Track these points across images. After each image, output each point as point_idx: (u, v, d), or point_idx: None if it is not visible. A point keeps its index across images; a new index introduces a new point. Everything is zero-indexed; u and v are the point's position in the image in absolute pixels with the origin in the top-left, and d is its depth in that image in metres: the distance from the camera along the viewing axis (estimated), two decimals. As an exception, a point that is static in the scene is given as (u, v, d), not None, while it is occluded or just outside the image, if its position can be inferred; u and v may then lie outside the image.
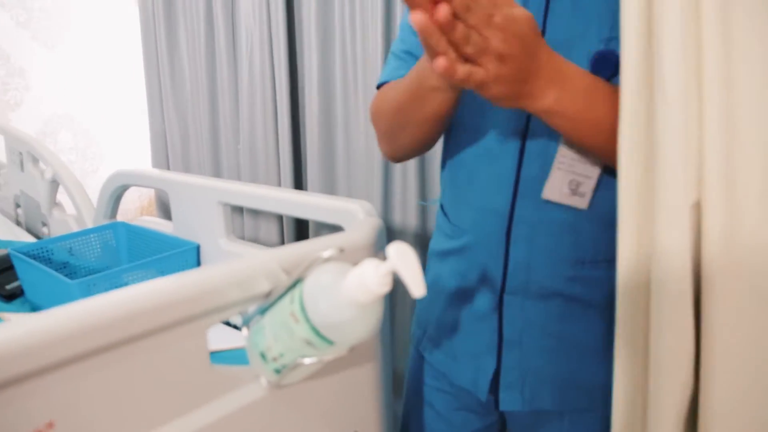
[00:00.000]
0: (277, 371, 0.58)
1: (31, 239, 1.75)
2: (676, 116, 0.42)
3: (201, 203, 1.13)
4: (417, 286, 0.49)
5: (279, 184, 1.80)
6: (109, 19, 2.57)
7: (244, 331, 0.61)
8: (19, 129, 1.81)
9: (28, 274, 1.20)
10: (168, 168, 2.18)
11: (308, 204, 0.94)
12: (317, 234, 1.71)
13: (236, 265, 0.58)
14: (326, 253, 0.54)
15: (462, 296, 0.81)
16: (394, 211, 1.54)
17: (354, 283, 0.51)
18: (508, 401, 0.78)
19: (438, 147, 0.86)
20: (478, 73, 0.54)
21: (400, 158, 0.86)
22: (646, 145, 0.47)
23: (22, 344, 0.45)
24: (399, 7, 1.41)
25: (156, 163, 2.19)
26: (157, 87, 2.15)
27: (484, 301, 0.78)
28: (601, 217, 0.71)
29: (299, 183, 1.79)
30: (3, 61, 2.28)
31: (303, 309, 0.52)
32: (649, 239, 0.46)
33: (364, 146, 1.57)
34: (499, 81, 0.55)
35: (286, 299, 0.55)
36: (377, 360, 0.71)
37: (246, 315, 0.62)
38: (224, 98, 1.92)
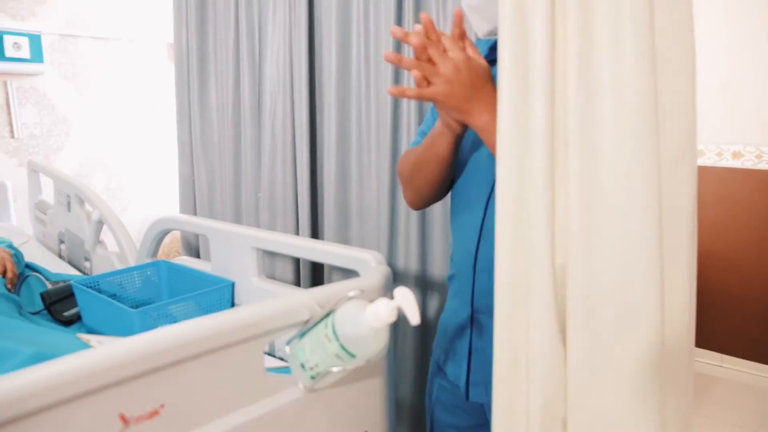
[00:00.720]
0: (312, 377, 0.80)
1: (74, 272, 1.98)
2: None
3: (237, 247, 1.37)
4: (414, 318, 0.72)
5: (296, 231, 2.04)
6: (146, 75, 2.87)
7: (287, 348, 0.84)
8: (68, 174, 2.05)
9: (88, 303, 1.42)
10: (195, 212, 2.43)
11: (330, 252, 1.17)
12: (330, 274, 1.94)
13: (284, 300, 0.81)
14: (351, 293, 0.77)
15: (455, 313, 1.04)
16: (398, 255, 1.77)
17: (371, 315, 0.74)
18: (475, 394, 1.01)
19: (437, 210, 1.10)
20: (427, 91, 0.80)
21: (419, 204, 1.10)
22: (518, 203, 0.65)
23: (147, 350, 0.68)
24: (408, 83, 1.67)
25: (183, 207, 2.44)
26: (187, 138, 2.41)
27: (463, 317, 1.02)
28: None
29: (315, 230, 2.02)
30: (49, 110, 2.56)
31: (334, 332, 0.75)
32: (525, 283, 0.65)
33: (375, 199, 1.81)
34: (447, 96, 0.80)
35: (321, 325, 0.78)
36: (384, 375, 0.94)
37: (289, 337, 0.85)
38: (247, 151, 2.17)
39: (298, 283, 2.06)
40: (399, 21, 1.69)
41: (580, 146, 0.60)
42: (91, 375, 0.63)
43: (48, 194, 2.34)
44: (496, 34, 0.96)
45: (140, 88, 2.85)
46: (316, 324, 0.80)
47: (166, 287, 1.60)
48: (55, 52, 2.52)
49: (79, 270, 2.00)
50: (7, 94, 2.41)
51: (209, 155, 2.37)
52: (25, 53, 2.37)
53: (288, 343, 0.84)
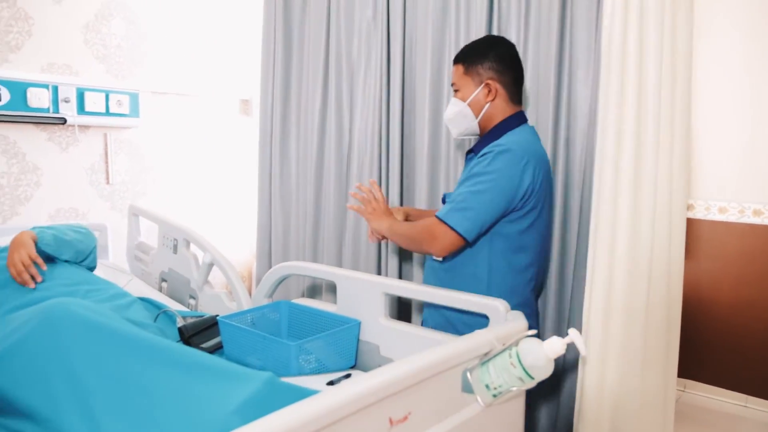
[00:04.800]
0: (495, 396, 1.10)
1: (181, 307, 2.24)
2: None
3: (364, 291, 1.67)
4: (583, 350, 1.03)
5: (378, 271, 2.35)
6: (220, 128, 3.21)
7: (468, 375, 1.14)
8: (176, 220, 2.35)
9: (233, 336, 1.70)
10: (270, 255, 2.73)
11: (460, 299, 1.48)
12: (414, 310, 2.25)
13: (474, 338, 1.12)
14: (530, 332, 1.08)
15: None
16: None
17: (548, 348, 1.05)
18: None
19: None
20: (364, 214, 1.71)
21: None
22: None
23: (407, 374, 0.98)
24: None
25: (260, 250, 2.75)
26: (267, 188, 2.73)
27: None
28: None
29: (399, 271, 2.33)
30: (138, 159, 2.88)
31: (519, 360, 1.06)
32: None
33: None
34: (370, 217, 1.69)
35: (505, 354, 1.09)
36: (523, 395, 1.25)
37: (468, 366, 1.15)
38: (329, 201, 2.48)
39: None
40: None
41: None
42: (377, 392, 0.93)
43: (145, 236, 2.64)
44: (463, 137, 1.75)
45: (215, 140, 3.19)
46: (497, 355, 1.11)
47: (286, 324, 1.89)
48: (146, 107, 2.85)
49: (184, 306, 2.28)
50: (106, 144, 2.73)
51: (286, 205, 2.69)
52: (125, 109, 2.70)
53: (468, 369, 1.14)
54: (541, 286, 1.81)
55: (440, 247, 1.54)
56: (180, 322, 1.85)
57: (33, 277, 1.71)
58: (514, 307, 1.43)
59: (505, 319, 1.35)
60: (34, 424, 1.16)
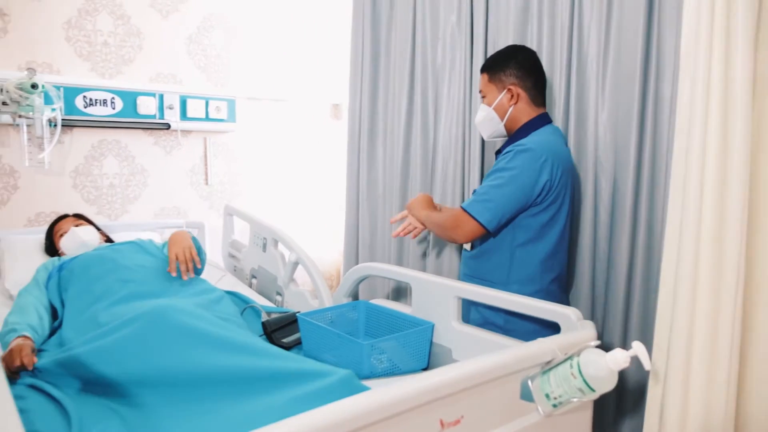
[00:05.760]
0: (555, 406, 1.09)
1: (266, 303, 2.37)
2: None
3: (439, 295, 1.69)
4: (647, 365, 1.00)
5: (459, 276, 2.35)
6: (312, 132, 3.34)
7: (529, 382, 1.13)
8: (266, 219, 2.49)
9: (311, 333, 1.78)
10: (357, 256, 2.81)
11: (531, 306, 1.46)
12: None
13: (535, 346, 1.12)
14: (593, 343, 1.06)
15: None
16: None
17: (611, 360, 1.02)
18: None
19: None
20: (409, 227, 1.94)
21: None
22: None
23: (458, 377, 0.99)
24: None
25: (347, 251, 2.84)
26: (354, 190, 2.81)
27: None
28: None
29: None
30: (233, 162, 3.05)
31: (580, 371, 1.04)
32: None
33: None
34: (410, 206, 1.94)
35: (566, 365, 1.07)
36: (591, 409, 1.22)
37: (529, 375, 1.14)
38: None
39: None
40: (568, 96, 1.98)
41: None
42: (426, 393, 0.95)
43: (239, 234, 2.81)
44: (493, 138, 1.90)
45: (307, 143, 3.33)
46: (558, 364, 1.09)
47: (364, 324, 1.94)
48: (242, 112, 3.03)
49: (271, 302, 2.40)
50: (205, 148, 2.93)
51: (373, 206, 2.76)
52: (223, 114, 2.89)
53: (529, 378, 1.14)
54: (564, 278, 1.86)
55: (463, 233, 1.72)
56: (264, 317, 1.95)
57: (181, 272, 1.99)
58: (530, 294, 1.57)
59: (575, 328, 1.32)
60: (118, 393, 1.35)
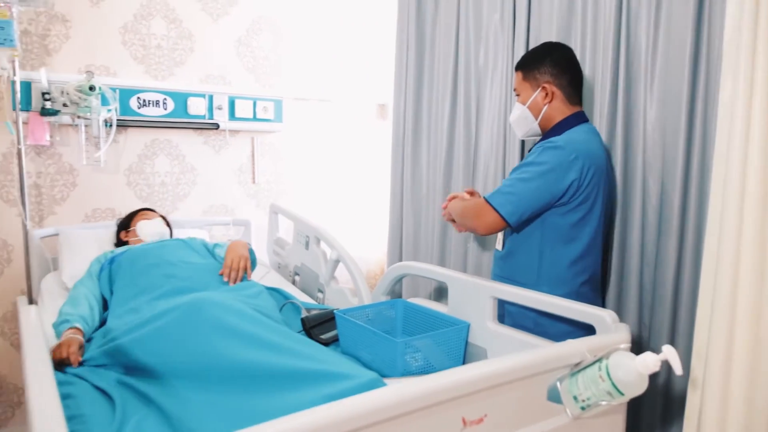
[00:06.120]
0: (583, 408, 1.07)
1: (307, 299, 2.41)
2: None
3: (474, 295, 1.68)
4: (678, 369, 0.97)
5: (491, 277, 2.34)
6: (358, 132, 3.38)
7: (558, 384, 1.12)
8: (309, 218, 2.53)
9: (348, 330, 1.80)
10: (401, 255, 2.83)
11: (568, 308, 1.44)
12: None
13: (564, 347, 1.10)
14: (623, 346, 1.04)
15: None
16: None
17: (640, 363, 1.00)
18: None
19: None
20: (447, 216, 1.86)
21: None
22: None
23: (481, 375, 0.99)
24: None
25: (391, 250, 2.86)
26: (399, 190, 2.83)
27: None
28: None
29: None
30: (280, 161, 3.12)
31: (608, 374, 1.02)
32: None
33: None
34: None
35: (595, 367, 1.06)
36: (624, 412, 1.19)
37: (558, 376, 1.13)
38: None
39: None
40: (615, 86, 1.94)
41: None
42: (447, 390, 0.96)
43: (283, 232, 2.87)
44: (527, 137, 1.87)
45: (352, 143, 3.37)
46: (587, 366, 1.08)
47: (401, 323, 1.95)
48: (289, 112, 3.09)
49: (313, 299, 2.44)
50: (253, 147, 3.01)
51: (416, 206, 2.76)
52: (270, 115, 2.95)
53: (559, 379, 1.12)
54: (598, 280, 1.81)
55: (482, 224, 1.68)
56: (303, 314, 1.99)
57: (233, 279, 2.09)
58: (561, 296, 1.52)
59: (611, 331, 1.29)
60: (156, 383, 1.41)
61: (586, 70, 1.99)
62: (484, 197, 1.71)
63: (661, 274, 1.81)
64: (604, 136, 1.90)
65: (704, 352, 1.18)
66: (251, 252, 2.23)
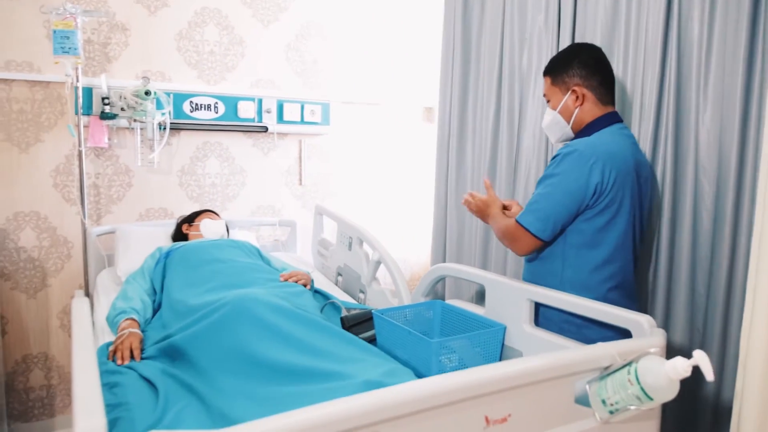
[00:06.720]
0: (611, 412, 1.06)
1: (348, 299, 2.44)
2: None
3: (511, 297, 1.68)
4: (709, 375, 0.95)
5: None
6: (404, 134, 3.41)
7: (587, 386, 1.11)
8: (352, 219, 2.57)
9: (385, 329, 1.82)
10: (444, 257, 2.84)
11: (601, 311, 1.42)
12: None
13: (593, 349, 1.09)
14: (653, 350, 1.02)
15: None
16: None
17: (670, 368, 0.98)
18: None
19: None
20: (470, 206, 1.85)
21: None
22: None
23: (505, 375, 0.99)
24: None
25: (435, 252, 2.87)
26: (443, 192, 2.84)
27: None
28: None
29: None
30: (327, 162, 3.17)
31: (637, 378, 1.01)
32: None
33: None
34: (476, 213, 1.81)
35: (624, 371, 1.04)
36: (658, 418, 1.16)
37: (588, 379, 1.12)
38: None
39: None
40: (660, 92, 1.89)
41: None
42: (469, 388, 0.96)
43: (328, 233, 2.92)
44: (562, 142, 1.82)
45: (398, 146, 3.39)
46: (616, 370, 1.06)
47: (438, 324, 1.96)
48: (336, 115, 3.14)
49: (355, 300, 2.48)
50: (300, 150, 3.08)
51: (461, 208, 2.76)
52: (317, 118, 3.02)
53: (588, 382, 1.11)
54: (631, 287, 1.75)
55: (520, 247, 1.69)
56: (344, 313, 2.03)
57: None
58: None
59: (647, 335, 1.27)
60: (200, 375, 1.49)
61: (630, 72, 1.95)
62: (515, 219, 1.69)
63: (715, 279, 1.76)
64: (648, 138, 1.86)
65: (744, 359, 1.14)
66: (312, 284, 2.29)
